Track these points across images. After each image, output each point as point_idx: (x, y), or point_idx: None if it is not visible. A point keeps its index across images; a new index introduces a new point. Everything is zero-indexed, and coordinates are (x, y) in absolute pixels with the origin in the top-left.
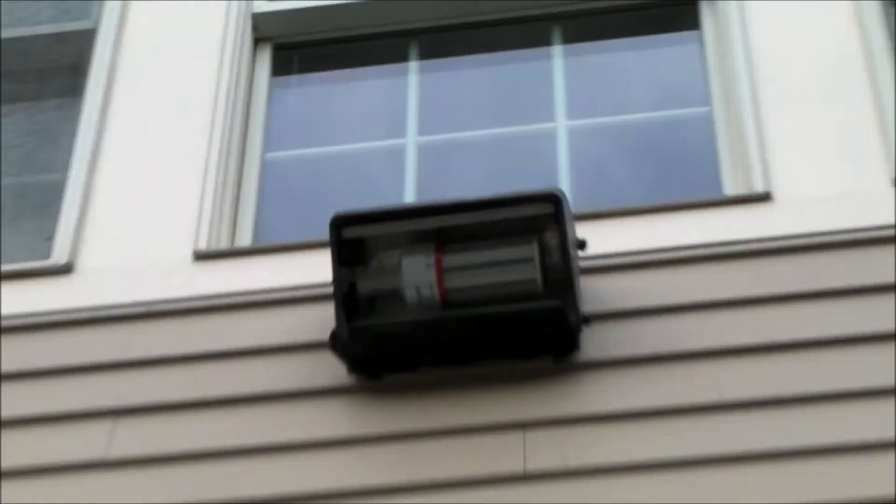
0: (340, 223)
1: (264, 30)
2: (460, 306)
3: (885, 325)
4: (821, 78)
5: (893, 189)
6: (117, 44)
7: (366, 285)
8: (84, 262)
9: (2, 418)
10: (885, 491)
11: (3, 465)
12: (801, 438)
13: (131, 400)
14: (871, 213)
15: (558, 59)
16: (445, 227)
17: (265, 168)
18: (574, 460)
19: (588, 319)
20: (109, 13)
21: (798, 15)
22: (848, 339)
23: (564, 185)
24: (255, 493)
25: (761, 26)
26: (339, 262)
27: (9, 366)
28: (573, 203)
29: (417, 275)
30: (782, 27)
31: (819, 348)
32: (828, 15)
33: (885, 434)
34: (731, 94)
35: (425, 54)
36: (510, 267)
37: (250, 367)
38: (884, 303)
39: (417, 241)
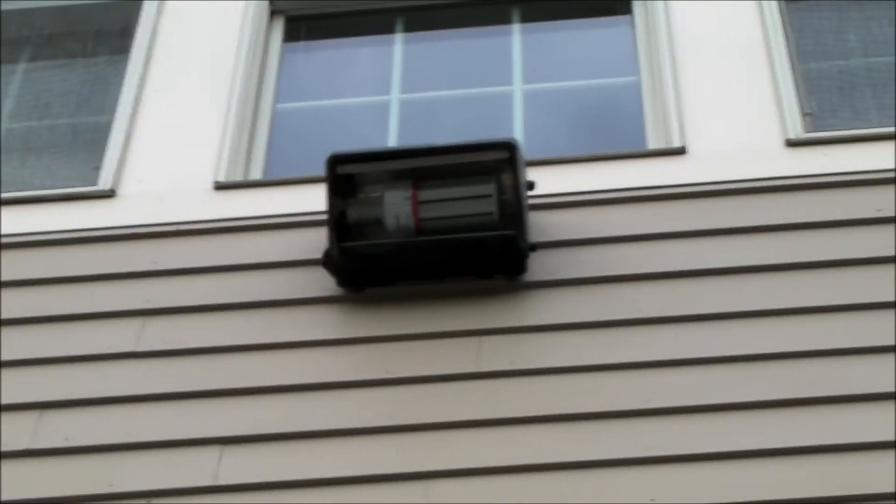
0: (335, 161)
1: (279, 4)
2: (431, 233)
3: (765, 259)
4: (729, 55)
5: (783, 148)
6: (158, 13)
7: (354, 213)
8: (125, 189)
9: (56, 314)
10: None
11: (46, 353)
12: (703, 350)
13: (158, 303)
14: (765, 167)
15: (517, 35)
16: (421, 167)
17: (275, 117)
18: (520, 363)
19: (535, 247)
20: None
21: (712, 5)
22: (736, 269)
23: (519, 136)
24: (259, 384)
25: (682, 13)
26: (333, 194)
27: (59, 272)
28: (525, 151)
29: (397, 206)
30: (699, 13)
31: (717, 276)
32: (736, 5)
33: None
34: (655, 67)
35: (409, 28)
36: (473, 202)
37: (258, 278)
38: (770, 240)
39: (398, 178)
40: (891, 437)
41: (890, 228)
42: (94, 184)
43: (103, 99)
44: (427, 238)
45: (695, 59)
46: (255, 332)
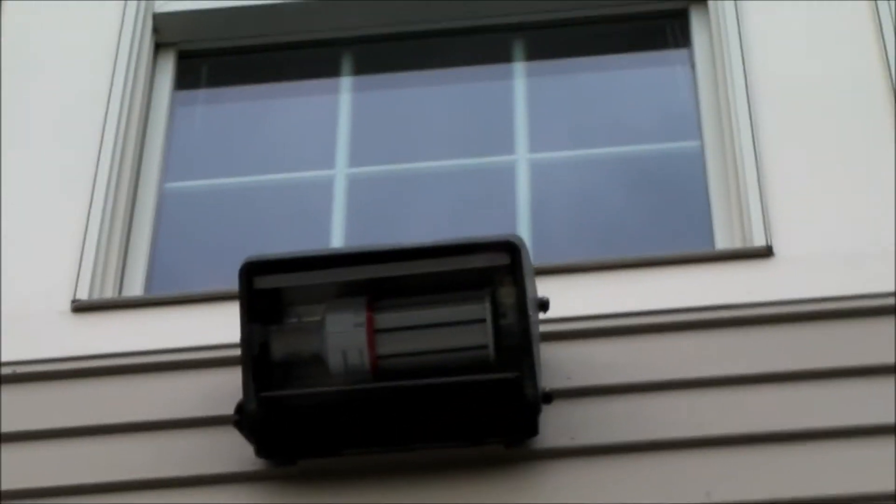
0: (252, 271)
1: (167, 33)
2: (395, 376)
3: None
4: (834, 105)
5: None
6: None
7: (281, 347)
8: None
9: None
10: None
11: None
12: None
13: None
14: (878, 277)
15: (519, 78)
16: (379, 278)
17: (163, 201)
18: None
19: (549, 396)
20: None
21: (810, 26)
22: (849, 431)
23: (523, 230)
24: None
25: (762, 42)
26: (248, 318)
27: None
28: (534, 253)
29: (344, 336)
30: (787, 43)
31: (819, 441)
32: (848, 21)
33: None
34: (726, 126)
35: (360, 68)
36: (456, 330)
37: (136, 445)
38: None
39: (346, 294)
40: None
41: None
42: None
43: None
44: (388, 385)
45: (783, 112)
46: None
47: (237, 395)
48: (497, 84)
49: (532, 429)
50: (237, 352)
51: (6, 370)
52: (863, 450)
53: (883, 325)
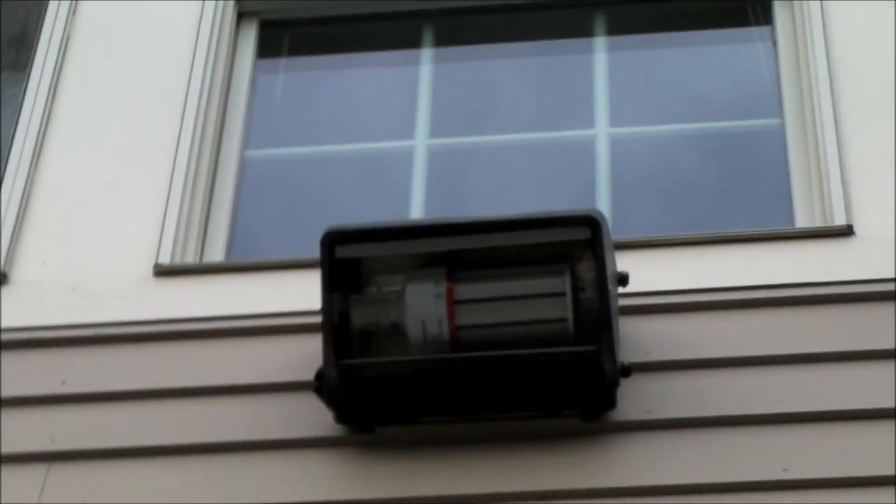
0: (333, 240)
1: (250, 3)
2: (473, 347)
3: None
4: None
5: None
6: (71, 15)
7: (361, 316)
8: (19, 274)
9: None
10: None
11: None
12: None
13: (68, 442)
14: None
15: (600, 52)
16: (459, 250)
17: (244, 168)
18: None
19: (628, 370)
20: None
21: (893, 6)
22: None
23: (603, 205)
24: None
25: (844, 21)
26: (329, 287)
27: None
28: (613, 228)
29: (424, 307)
30: (869, 22)
31: None
32: None
33: None
34: (808, 104)
35: (441, 40)
36: (536, 302)
37: (216, 409)
38: None
39: (425, 265)
40: None
41: None
42: None
43: None
44: (467, 355)
45: (865, 92)
46: (215, 492)
47: (317, 362)
48: (578, 58)
49: (610, 402)
50: (317, 319)
51: (89, 331)
52: None
53: None
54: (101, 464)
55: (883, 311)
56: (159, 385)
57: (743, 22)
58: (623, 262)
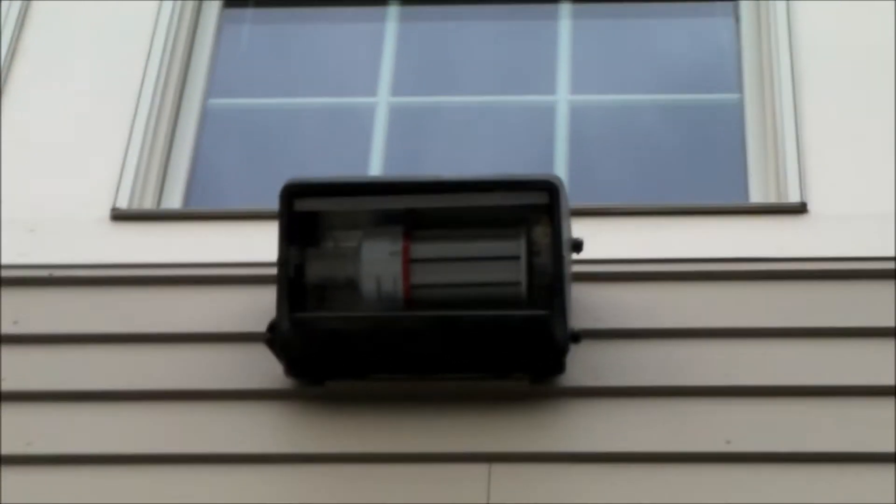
0: (293, 193)
1: None
2: (427, 306)
3: None
4: (876, 64)
5: None
6: None
7: (316, 270)
8: None
9: None
10: None
11: None
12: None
13: (17, 383)
14: None
15: (565, 19)
16: (417, 209)
17: (206, 117)
18: None
19: (578, 336)
20: None
21: None
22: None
23: (560, 171)
24: None
25: (808, 1)
26: (287, 240)
27: None
28: (570, 194)
29: (379, 264)
30: (834, 2)
31: (845, 397)
32: None
33: None
34: (767, 80)
35: None
36: (490, 264)
37: (166, 356)
38: None
39: (383, 222)
40: None
41: None
42: None
43: None
44: (420, 314)
45: (827, 70)
46: (158, 439)
47: (270, 313)
48: (543, 24)
49: (558, 367)
50: (272, 271)
51: (43, 272)
52: (889, 408)
53: None
54: (49, 405)
55: (833, 289)
56: (111, 329)
57: None
58: (578, 228)
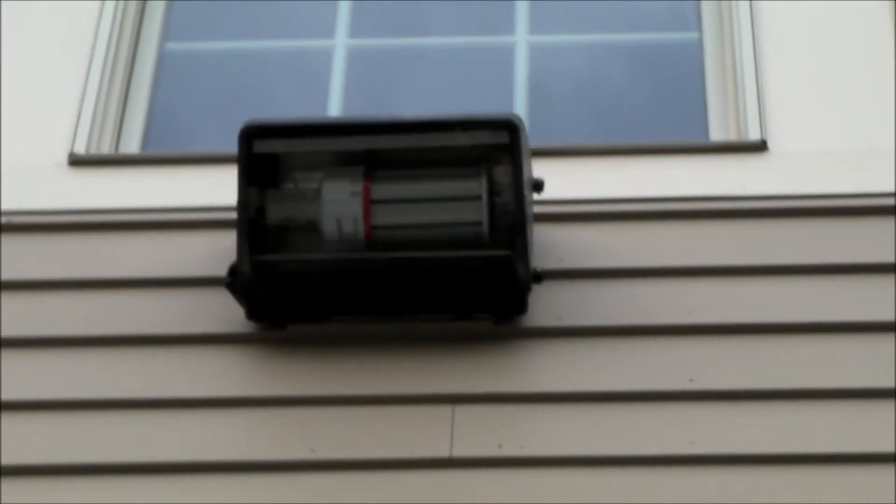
0: (251, 134)
1: None
2: (388, 247)
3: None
4: (836, 2)
5: None
6: None
7: (277, 212)
8: None
9: None
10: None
11: None
12: (783, 440)
13: None
14: (875, 174)
15: None
16: (377, 149)
17: (163, 60)
18: (509, 447)
19: (540, 276)
20: None
21: None
22: (841, 325)
23: (520, 111)
24: (125, 460)
25: None
26: (246, 182)
27: None
28: (530, 135)
29: (340, 204)
30: None
31: (803, 334)
32: None
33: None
34: (726, 19)
35: None
36: (452, 205)
37: (126, 301)
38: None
39: (343, 163)
40: None
41: None
42: None
43: None
44: (381, 255)
45: (786, 11)
46: (119, 383)
47: (231, 257)
48: None
49: (521, 307)
50: (233, 214)
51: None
52: (854, 345)
53: (878, 224)
54: (6, 352)
55: (793, 226)
56: (69, 276)
57: None
58: (539, 169)
